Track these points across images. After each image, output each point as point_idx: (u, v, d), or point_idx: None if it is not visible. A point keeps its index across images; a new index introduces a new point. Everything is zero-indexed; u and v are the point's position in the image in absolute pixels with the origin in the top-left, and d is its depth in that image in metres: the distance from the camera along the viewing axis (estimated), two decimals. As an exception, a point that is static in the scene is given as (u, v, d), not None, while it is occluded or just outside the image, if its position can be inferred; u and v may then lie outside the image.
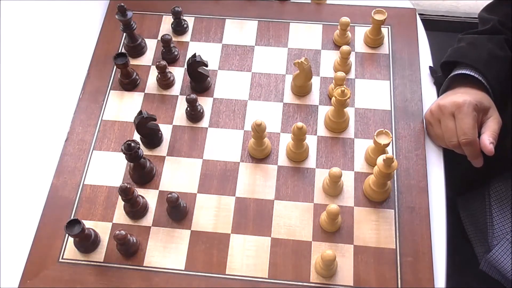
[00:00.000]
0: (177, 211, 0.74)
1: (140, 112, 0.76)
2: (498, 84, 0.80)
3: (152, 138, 0.81)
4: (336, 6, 0.96)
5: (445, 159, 0.81)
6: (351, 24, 0.90)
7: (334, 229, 0.73)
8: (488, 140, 0.73)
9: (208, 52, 0.91)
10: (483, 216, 0.90)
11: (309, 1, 0.97)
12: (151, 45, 0.93)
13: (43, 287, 0.71)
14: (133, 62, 0.90)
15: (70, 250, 0.73)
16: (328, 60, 0.90)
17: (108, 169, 0.80)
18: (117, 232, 0.69)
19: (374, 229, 0.74)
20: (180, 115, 0.85)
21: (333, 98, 0.78)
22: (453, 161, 0.81)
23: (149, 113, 0.77)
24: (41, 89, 0.90)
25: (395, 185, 0.77)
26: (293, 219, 0.75)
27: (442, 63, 0.85)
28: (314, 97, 0.86)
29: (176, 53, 0.90)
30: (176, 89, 0.88)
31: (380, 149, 0.76)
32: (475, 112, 0.74)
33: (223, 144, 0.82)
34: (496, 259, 0.83)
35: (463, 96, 0.76)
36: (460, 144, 0.75)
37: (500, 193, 0.86)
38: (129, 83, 0.87)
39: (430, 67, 0.90)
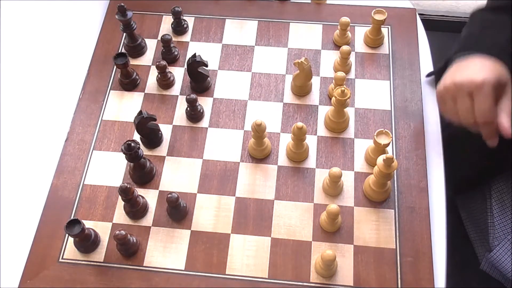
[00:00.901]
0: (177, 211, 0.74)
1: (140, 112, 0.76)
2: None
3: (152, 138, 0.81)
4: (336, 6, 0.96)
5: (445, 159, 0.81)
6: (351, 24, 0.90)
7: (334, 229, 0.73)
8: (507, 122, 0.68)
9: (208, 52, 0.91)
10: (483, 217, 0.90)
11: (309, 1, 0.97)
12: (151, 45, 0.93)
13: (43, 287, 0.71)
14: (133, 62, 0.90)
15: (70, 250, 0.73)
16: (328, 60, 0.90)
17: (108, 169, 0.80)
18: (117, 232, 0.69)
19: (374, 229, 0.74)
20: (180, 115, 0.85)
21: (333, 98, 0.78)
22: (454, 161, 0.81)
23: (149, 113, 0.77)
24: (41, 89, 0.90)
25: (395, 185, 0.77)
26: (293, 219, 0.75)
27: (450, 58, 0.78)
28: (314, 97, 0.86)
29: (176, 53, 0.90)
30: (176, 89, 0.88)
31: (380, 149, 0.76)
32: (494, 92, 0.68)
33: (223, 144, 0.82)
34: (497, 259, 0.83)
35: (481, 73, 0.68)
36: (476, 124, 0.70)
37: (502, 193, 0.86)
38: (129, 83, 0.87)
39: (430, 73, 0.88)
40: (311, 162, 0.80)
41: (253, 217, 0.75)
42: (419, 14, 0.98)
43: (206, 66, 0.83)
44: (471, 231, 0.93)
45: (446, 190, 0.78)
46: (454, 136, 0.87)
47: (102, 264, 0.72)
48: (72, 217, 0.75)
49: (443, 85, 0.73)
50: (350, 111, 0.84)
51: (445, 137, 0.82)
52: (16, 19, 0.97)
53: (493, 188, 0.88)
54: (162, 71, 0.85)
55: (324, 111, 0.84)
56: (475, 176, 0.91)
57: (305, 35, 0.93)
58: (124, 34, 0.91)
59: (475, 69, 0.70)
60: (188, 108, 0.83)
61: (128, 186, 0.71)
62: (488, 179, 0.90)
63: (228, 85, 0.88)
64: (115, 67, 0.89)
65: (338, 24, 0.89)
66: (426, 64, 0.90)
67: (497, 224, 0.85)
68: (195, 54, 0.82)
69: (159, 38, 0.93)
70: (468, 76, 0.69)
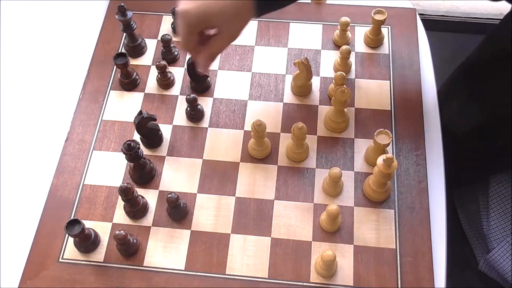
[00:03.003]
0: (177, 211, 0.74)
1: (140, 112, 0.76)
2: None
3: (152, 138, 0.81)
4: (336, 6, 0.96)
5: (445, 159, 0.81)
6: (351, 24, 0.90)
7: (334, 229, 0.73)
8: (202, 65, 0.71)
9: (208, 52, 0.91)
10: (480, 218, 0.90)
11: (309, 1, 0.97)
12: (151, 45, 0.93)
13: (43, 287, 0.71)
14: (133, 62, 0.90)
15: (70, 250, 0.73)
16: (328, 60, 0.90)
17: (108, 169, 0.80)
18: (117, 232, 0.69)
19: (374, 229, 0.74)
20: (180, 115, 0.85)
21: (333, 98, 0.78)
22: (454, 161, 0.81)
23: (149, 113, 0.77)
24: (41, 89, 0.90)
25: (395, 185, 0.77)
26: (293, 219, 0.75)
27: None
28: (314, 97, 0.86)
29: (176, 53, 0.90)
30: (176, 89, 0.88)
31: (380, 149, 0.76)
32: (191, 28, 0.67)
33: (223, 144, 0.82)
34: (496, 259, 0.84)
35: (190, 5, 0.64)
36: None
37: (500, 195, 0.86)
38: (129, 83, 0.87)
39: None
40: (311, 162, 0.80)
41: (253, 217, 0.75)
42: (419, 14, 0.97)
43: (206, 66, 0.83)
44: (469, 232, 0.93)
45: (446, 190, 0.78)
46: (454, 136, 0.87)
47: (102, 264, 0.72)
48: (72, 217, 0.75)
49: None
50: (350, 111, 0.84)
51: (445, 137, 0.82)
52: (16, 19, 0.97)
53: (492, 190, 0.88)
54: (162, 71, 0.85)
55: (324, 111, 0.84)
56: (474, 176, 0.91)
57: (305, 35, 0.93)
58: (124, 34, 0.91)
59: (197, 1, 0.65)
60: (188, 108, 0.83)
61: (128, 186, 0.71)
62: (487, 179, 0.90)
63: (228, 85, 0.88)
64: (115, 67, 0.89)
65: (338, 24, 0.89)
66: (426, 64, 0.90)
67: (496, 226, 0.85)
68: (195, 54, 0.82)
69: (159, 38, 0.93)
70: (182, 2, 0.66)
